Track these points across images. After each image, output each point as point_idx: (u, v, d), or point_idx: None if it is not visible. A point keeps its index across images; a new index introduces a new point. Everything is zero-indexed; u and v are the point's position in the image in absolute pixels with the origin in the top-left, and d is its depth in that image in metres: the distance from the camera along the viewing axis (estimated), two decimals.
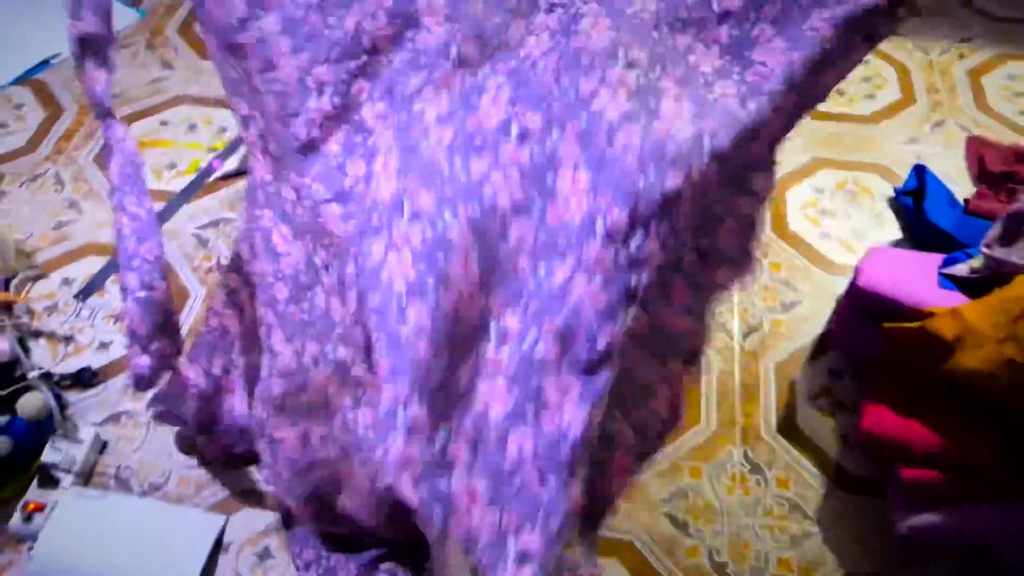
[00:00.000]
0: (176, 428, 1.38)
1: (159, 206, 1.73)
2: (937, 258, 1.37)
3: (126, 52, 2.07)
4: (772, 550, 1.29)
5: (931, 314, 1.23)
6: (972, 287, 1.30)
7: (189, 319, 1.55)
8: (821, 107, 1.93)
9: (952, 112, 1.94)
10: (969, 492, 1.19)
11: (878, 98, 1.98)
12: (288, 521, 1.31)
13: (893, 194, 1.75)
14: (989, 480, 1.17)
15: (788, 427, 1.42)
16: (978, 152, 1.80)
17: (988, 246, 1.30)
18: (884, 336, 1.26)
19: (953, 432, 1.20)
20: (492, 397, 0.98)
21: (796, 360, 1.50)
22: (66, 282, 1.62)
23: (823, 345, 1.51)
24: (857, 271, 1.37)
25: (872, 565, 1.27)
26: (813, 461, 1.38)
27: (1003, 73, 2.03)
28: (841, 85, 1.97)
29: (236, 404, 1.35)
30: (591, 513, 1.13)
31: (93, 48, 1.20)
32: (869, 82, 2.01)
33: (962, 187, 1.76)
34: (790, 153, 1.84)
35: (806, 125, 1.90)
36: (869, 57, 2.02)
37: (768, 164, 1.09)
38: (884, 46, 2.06)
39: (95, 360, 1.49)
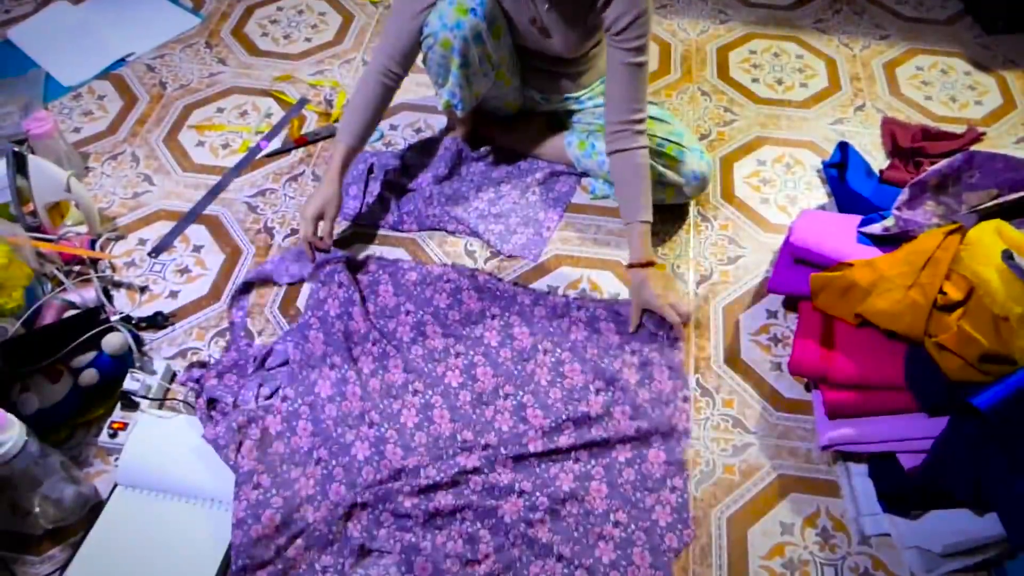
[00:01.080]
0: None
1: (217, 179, 1.70)
2: (856, 219, 1.36)
3: (189, 51, 2.02)
4: (719, 458, 1.28)
5: (850, 265, 1.21)
6: (885, 242, 1.29)
7: (241, 272, 1.54)
8: (763, 94, 1.92)
9: (871, 97, 1.90)
10: (877, 408, 1.18)
11: (810, 86, 1.94)
12: None
13: (821, 166, 1.72)
14: (892, 398, 1.17)
15: (733, 358, 1.41)
16: (891, 131, 1.77)
17: (898, 209, 1.29)
18: (812, 283, 1.24)
19: (865, 361, 1.19)
20: None
21: (740, 303, 1.48)
22: (141, 242, 1.59)
23: (762, 290, 1.49)
24: (791, 229, 1.35)
25: (799, 468, 1.27)
26: (753, 386, 1.37)
27: (912, 65, 2.00)
28: (780, 75, 1.95)
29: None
30: None
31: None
32: (802, 73, 1.97)
33: (878, 160, 1.74)
34: (737, 132, 1.81)
35: (751, 109, 1.89)
36: (803, 52, 2.01)
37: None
38: (815, 43, 2.03)
39: (166, 306, 1.48)
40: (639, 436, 1.28)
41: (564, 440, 1.26)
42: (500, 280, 1.48)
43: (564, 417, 1.29)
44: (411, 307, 1.44)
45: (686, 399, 1.34)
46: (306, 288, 1.50)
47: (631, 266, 1.41)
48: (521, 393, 1.33)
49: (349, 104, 1.49)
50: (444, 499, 1.19)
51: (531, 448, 1.25)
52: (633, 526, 1.19)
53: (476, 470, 1.23)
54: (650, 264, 1.39)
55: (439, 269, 1.48)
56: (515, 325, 1.41)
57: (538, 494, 1.20)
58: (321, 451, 1.26)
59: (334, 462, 1.24)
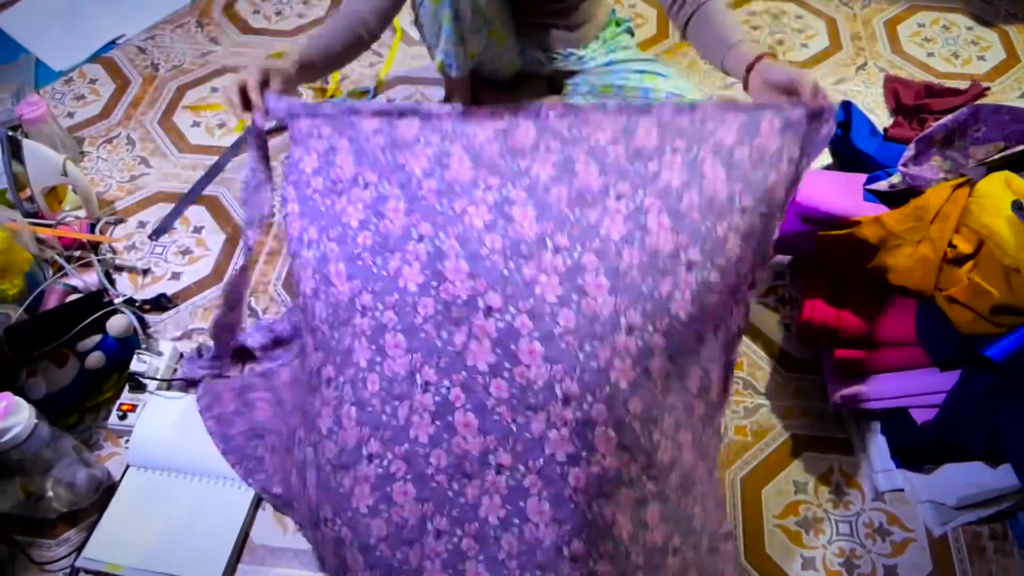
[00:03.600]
0: None
1: (214, 159, 1.70)
2: (862, 177, 1.35)
3: (180, 30, 2.00)
4: (730, 420, 1.29)
5: (858, 222, 1.21)
6: (891, 199, 1.28)
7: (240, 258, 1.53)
8: None
9: (872, 56, 1.89)
10: (888, 365, 1.18)
11: (811, 47, 1.92)
12: None
13: None
14: (903, 354, 1.17)
15: None
16: (894, 89, 1.76)
17: (904, 165, 1.28)
18: (820, 242, 1.24)
19: (875, 317, 1.19)
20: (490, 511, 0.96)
21: None
22: (141, 225, 1.59)
23: (769, 251, 1.49)
24: (796, 190, 1.35)
25: (811, 428, 1.27)
26: (762, 347, 1.37)
27: (913, 22, 1.98)
28: (780, 37, 1.94)
29: None
30: None
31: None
32: (803, 33, 1.95)
33: (882, 118, 1.73)
34: (739, 95, 1.80)
35: None
36: (802, 12, 1.99)
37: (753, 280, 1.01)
38: (814, 2, 2.01)
39: (169, 288, 1.48)
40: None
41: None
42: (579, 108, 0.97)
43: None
44: (436, 138, 0.98)
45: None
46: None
47: (749, 69, 1.08)
48: (579, 250, 0.93)
49: (315, 31, 1.31)
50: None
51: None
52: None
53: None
54: (772, 55, 1.09)
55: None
56: (579, 160, 0.96)
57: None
58: (328, 369, 1.02)
59: (341, 378, 1.01)
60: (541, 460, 0.91)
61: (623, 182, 0.95)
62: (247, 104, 1.07)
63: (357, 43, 1.31)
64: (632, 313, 0.91)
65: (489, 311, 0.92)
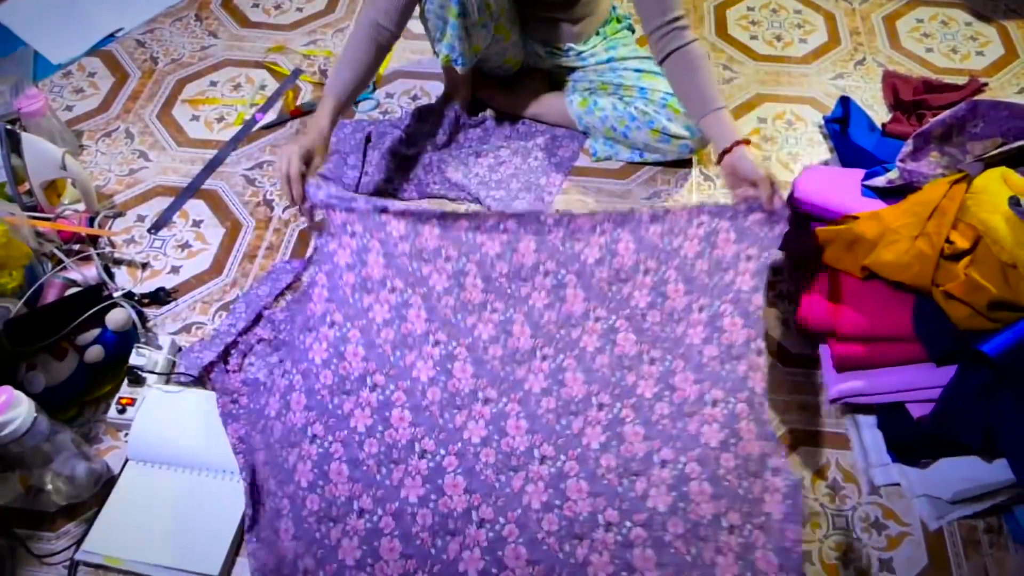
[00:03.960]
0: None
1: (213, 153, 1.70)
2: (860, 173, 1.35)
3: (179, 24, 2.00)
4: None
5: (856, 218, 1.21)
6: (889, 195, 1.28)
7: (243, 245, 1.53)
8: (762, 51, 1.91)
9: (871, 51, 1.89)
10: (885, 360, 1.19)
11: (809, 42, 1.92)
12: None
13: (823, 122, 1.71)
14: (900, 349, 1.17)
15: None
16: (892, 84, 1.77)
17: (902, 161, 1.28)
18: (818, 237, 1.24)
19: (872, 313, 1.19)
20: None
21: None
22: (140, 218, 1.59)
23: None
24: (794, 185, 1.35)
25: (808, 423, 1.28)
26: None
27: (912, 17, 1.99)
28: (779, 32, 1.94)
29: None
30: None
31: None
32: (801, 28, 1.95)
33: (880, 114, 1.73)
34: (737, 90, 1.80)
35: (750, 67, 1.88)
36: (801, 7, 1.99)
37: None
38: None
39: (168, 281, 1.48)
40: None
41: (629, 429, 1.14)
42: (573, 219, 1.19)
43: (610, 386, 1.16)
44: (454, 253, 1.19)
45: (760, 352, 1.14)
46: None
47: (726, 151, 1.24)
48: (562, 356, 1.18)
49: (339, 57, 1.41)
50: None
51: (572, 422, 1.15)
52: (749, 525, 1.07)
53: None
54: (747, 142, 1.24)
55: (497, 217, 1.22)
56: (569, 286, 1.20)
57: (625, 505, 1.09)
58: (316, 427, 1.13)
59: (331, 438, 1.12)
60: None
61: (601, 308, 1.20)
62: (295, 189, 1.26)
63: (379, 51, 1.40)
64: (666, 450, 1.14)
65: (542, 459, 1.14)
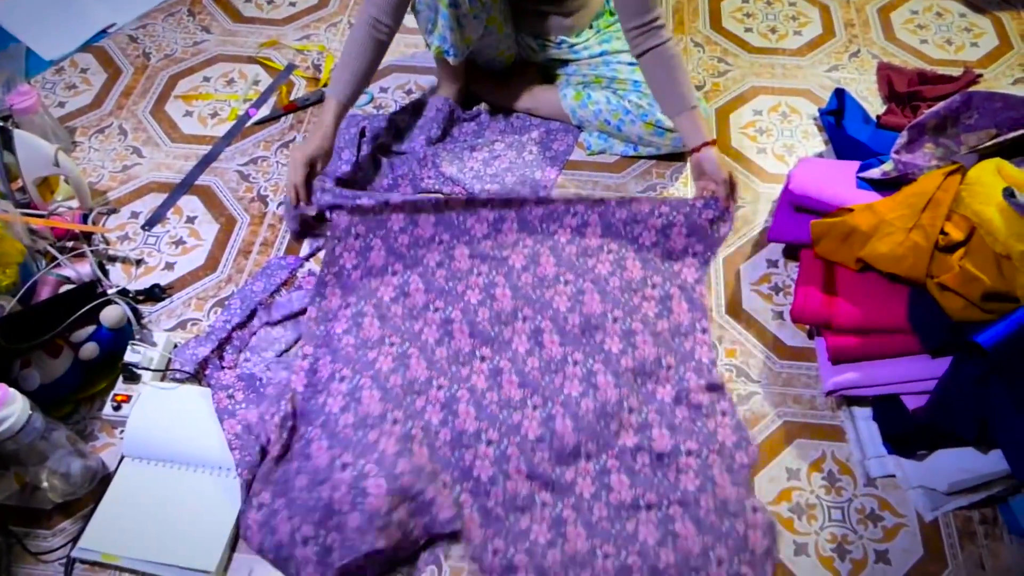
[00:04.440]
0: None
1: (207, 149, 1.69)
2: (855, 165, 1.36)
3: (171, 20, 1.99)
4: None
5: (850, 210, 1.21)
6: (884, 186, 1.29)
7: (238, 241, 1.53)
8: (757, 43, 1.91)
9: (865, 43, 1.89)
10: (880, 352, 1.19)
11: (804, 34, 1.92)
12: None
13: (817, 114, 1.71)
14: (895, 341, 1.17)
15: (735, 309, 1.41)
16: (887, 76, 1.77)
17: (897, 152, 1.28)
18: (812, 230, 1.24)
19: (868, 305, 1.19)
20: None
21: (741, 253, 1.49)
22: (134, 215, 1.58)
23: (762, 240, 1.50)
24: (789, 178, 1.35)
25: (804, 415, 1.28)
26: (755, 335, 1.38)
27: (907, 9, 1.98)
28: (773, 24, 1.94)
29: None
30: None
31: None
32: (796, 20, 1.95)
33: (874, 105, 1.73)
34: (731, 83, 1.80)
35: (745, 59, 1.88)
36: (796, 0, 1.98)
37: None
38: None
39: (162, 278, 1.47)
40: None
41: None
42: (551, 202, 1.43)
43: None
44: (447, 236, 1.42)
45: (704, 330, 1.34)
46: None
47: (695, 149, 1.39)
48: (539, 317, 1.33)
49: (339, 59, 1.45)
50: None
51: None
52: (706, 450, 1.20)
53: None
54: (713, 142, 1.39)
55: (485, 199, 1.44)
56: (543, 255, 1.40)
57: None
58: (344, 371, 1.28)
59: (358, 378, 1.26)
60: None
61: (570, 273, 1.38)
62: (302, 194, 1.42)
63: (378, 47, 1.44)
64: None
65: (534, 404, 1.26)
